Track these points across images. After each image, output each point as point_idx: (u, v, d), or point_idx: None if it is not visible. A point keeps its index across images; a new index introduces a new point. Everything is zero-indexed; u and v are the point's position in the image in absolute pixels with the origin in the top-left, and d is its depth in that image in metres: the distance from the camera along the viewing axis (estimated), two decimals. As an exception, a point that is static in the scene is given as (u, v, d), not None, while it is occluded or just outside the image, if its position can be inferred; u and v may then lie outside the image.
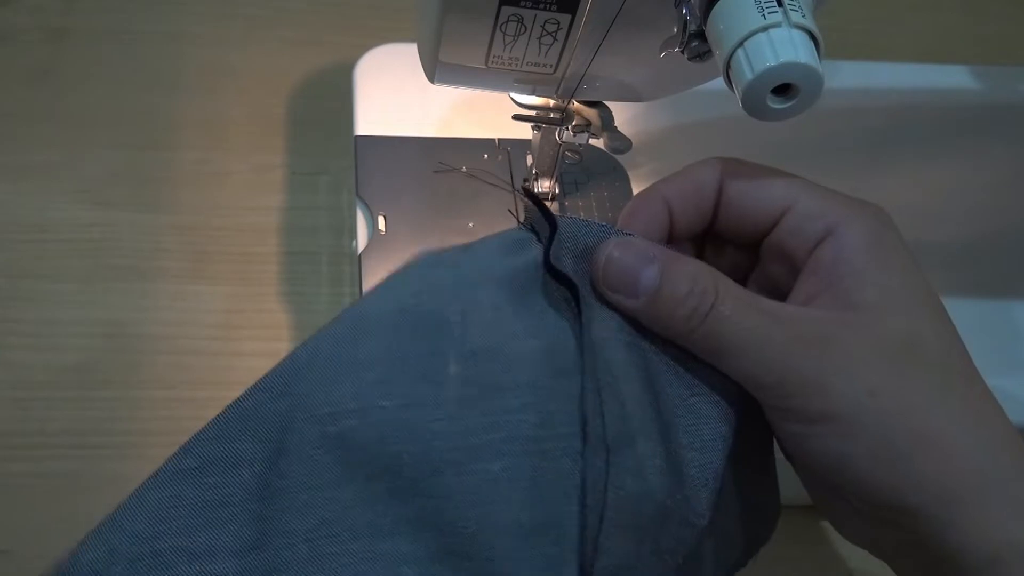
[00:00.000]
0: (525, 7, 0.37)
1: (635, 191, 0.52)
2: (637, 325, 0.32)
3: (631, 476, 0.30)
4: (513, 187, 0.51)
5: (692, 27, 0.34)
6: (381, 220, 0.48)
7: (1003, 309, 0.51)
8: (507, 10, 0.37)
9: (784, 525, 0.36)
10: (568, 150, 0.47)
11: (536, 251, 0.33)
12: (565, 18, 0.37)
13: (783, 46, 0.31)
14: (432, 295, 0.32)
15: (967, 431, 0.30)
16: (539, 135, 0.48)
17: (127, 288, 0.52)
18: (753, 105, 0.32)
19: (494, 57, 0.39)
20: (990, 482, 0.29)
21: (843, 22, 0.68)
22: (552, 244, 0.32)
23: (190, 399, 0.49)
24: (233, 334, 0.51)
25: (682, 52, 0.36)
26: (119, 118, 0.58)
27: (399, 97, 0.53)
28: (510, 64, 0.40)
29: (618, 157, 0.51)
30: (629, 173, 0.53)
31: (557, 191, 0.50)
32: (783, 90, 0.32)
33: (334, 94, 0.58)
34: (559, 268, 0.32)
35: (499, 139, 0.52)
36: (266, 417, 0.30)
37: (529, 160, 0.50)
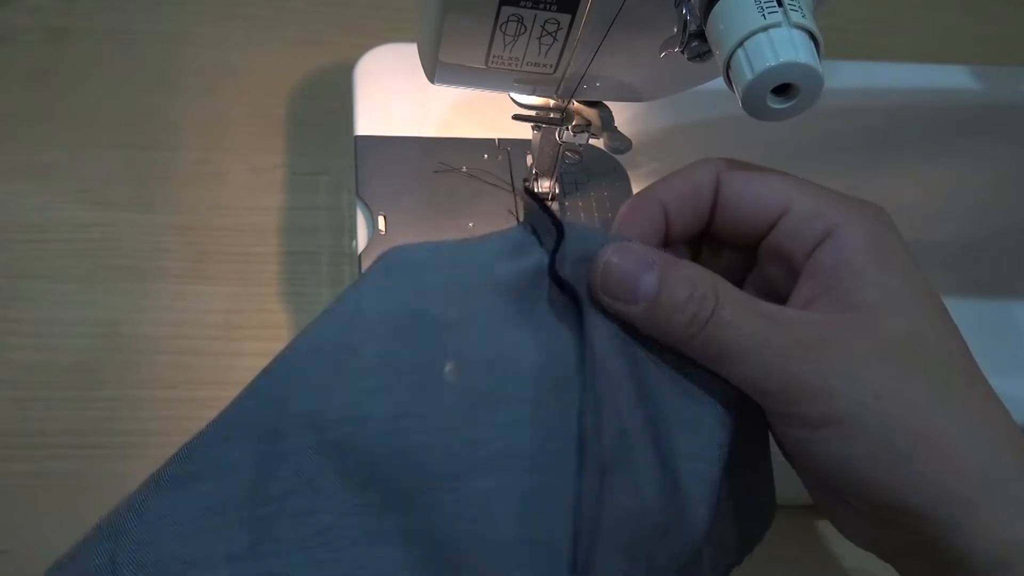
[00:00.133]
0: (525, 7, 0.37)
1: (635, 191, 0.52)
2: (635, 333, 0.32)
3: (628, 494, 0.29)
4: (513, 187, 0.51)
5: (692, 27, 0.34)
6: (381, 220, 0.48)
7: (1003, 309, 0.51)
8: (507, 10, 0.37)
9: (783, 525, 0.36)
10: (568, 150, 0.47)
11: (539, 255, 0.33)
12: (565, 18, 0.37)
13: (783, 46, 0.31)
14: (431, 297, 0.31)
15: (970, 431, 0.30)
16: (539, 135, 0.48)
17: (127, 288, 0.52)
18: (753, 105, 0.32)
19: (494, 57, 0.39)
20: (994, 482, 0.29)
21: (843, 22, 0.68)
22: (557, 251, 0.32)
23: (190, 399, 0.49)
24: (233, 334, 0.51)
25: (682, 52, 0.36)
26: (119, 118, 0.58)
27: (399, 97, 0.53)
28: (510, 64, 0.40)
29: (618, 157, 0.51)
30: (629, 173, 0.53)
31: (557, 191, 0.50)
32: (783, 90, 0.32)
33: (334, 94, 0.58)
34: (563, 276, 0.31)
35: (499, 139, 0.52)
36: (260, 422, 0.29)
37: (529, 160, 0.50)
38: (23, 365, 0.49)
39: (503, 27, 0.38)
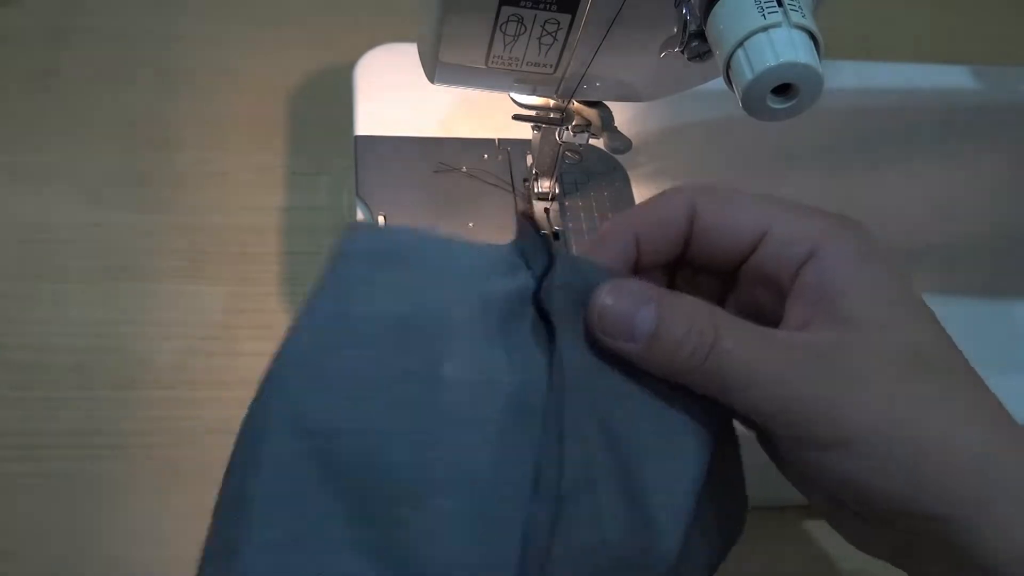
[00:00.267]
0: (525, 7, 0.37)
1: (635, 191, 0.52)
2: (617, 363, 0.32)
3: (588, 526, 0.29)
4: (513, 187, 0.51)
5: (692, 27, 0.34)
6: (381, 220, 0.48)
7: (1003, 309, 0.51)
8: (507, 10, 0.37)
9: (782, 525, 0.36)
10: (568, 150, 0.47)
11: (525, 279, 0.32)
12: (565, 18, 0.37)
13: (783, 46, 0.31)
14: (416, 306, 0.31)
15: (979, 433, 0.30)
16: (539, 135, 0.48)
17: (127, 288, 0.52)
18: (753, 105, 0.32)
19: (494, 57, 0.39)
20: (1006, 482, 0.30)
21: (843, 22, 0.68)
22: (545, 280, 0.31)
23: (190, 399, 0.48)
24: (233, 334, 0.51)
25: (682, 52, 0.36)
26: (119, 118, 0.59)
27: (399, 97, 0.53)
28: (510, 64, 0.40)
29: (618, 157, 0.51)
30: (629, 173, 0.53)
31: (557, 191, 0.50)
32: (783, 90, 0.32)
33: (334, 94, 0.58)
34: (545, 306, 0.31)
35: (499, 139, 0.52)
36: (250, 427, 0.30)
37: (529, 160, 0.50)
38: (23, 365, 0.49)
39: (503, 27, 0.38)
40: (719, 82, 0.34)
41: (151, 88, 0.60)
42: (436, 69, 0.41)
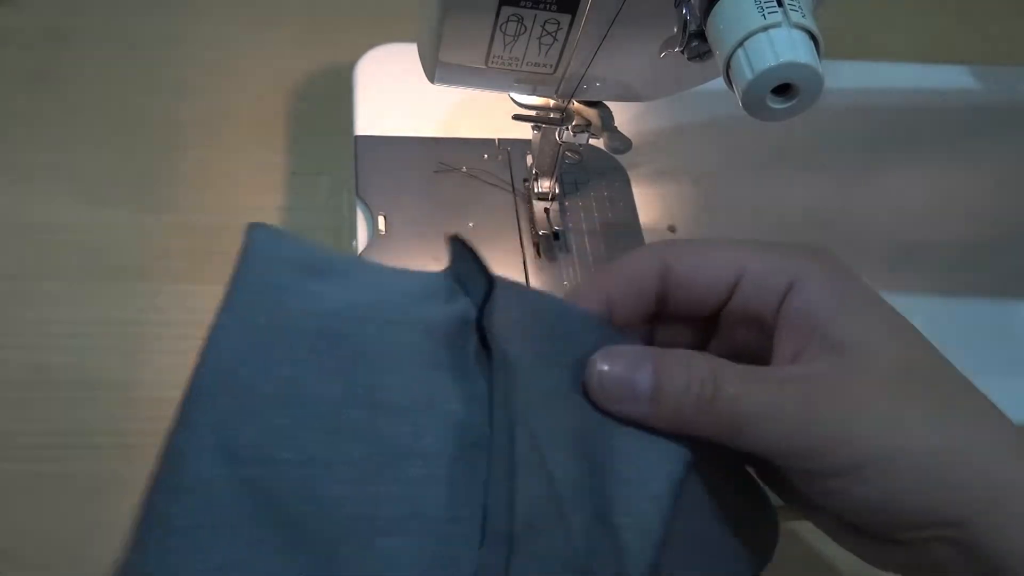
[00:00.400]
0: (525, 7, 0.37)
1: (635, 191, 0.52)
2: (574, 386, 0.31)
3: (537, 568, 0.28)
4: (513, 187, 0.51)
5: (692, 27, 0.34)
6: (381, 220, 0.48)
7: (1003, 309, 0.51)
8: (507, 10, 0.37)
9: (782, 525, 0.36)
10: (568, 150, 0.47)
11: (464, 304, 0.31)
12: (565, 18, 0.37)
13: (783, 46, 0.31)
14: (354, 324, 0.29)
15: (980, 435, 0.31)
16: (539, 135, 0.48)
17: (127, 288, 0.52)
18: (753, 105, 0.32)
19: (494, 57, 0.39)
20: (1018, 480, 0.30)
21: (843, 22, 0.68)
22: (486, 306, 0.30)
23: (190, 399, 0.48)
24: (233, 334, 0.51)
25: (682, 52, 0.36)
26: (119, 118, 0.58)
27: (399, 97, 0.53)
28: (510, 64, 0.40)
29: (618, 157, 0.51)
30: (629, 173, 0.53)
31: (557, 191, 0.50)
32: (783, 90, 0.32)
33: (334, 94, 0.58)
34: (487, 332, 0.30)
35: (499, 139, 0.52)
36: (175, 443, 0.28)
37: (529, 160, 0.50)
38: (22, 365, 0.49)
39: (503, 27, 0.38)
40: (719, 82, 0.34)
41: (151, 88, 0.60)
42: (436, 69, 0.41)
